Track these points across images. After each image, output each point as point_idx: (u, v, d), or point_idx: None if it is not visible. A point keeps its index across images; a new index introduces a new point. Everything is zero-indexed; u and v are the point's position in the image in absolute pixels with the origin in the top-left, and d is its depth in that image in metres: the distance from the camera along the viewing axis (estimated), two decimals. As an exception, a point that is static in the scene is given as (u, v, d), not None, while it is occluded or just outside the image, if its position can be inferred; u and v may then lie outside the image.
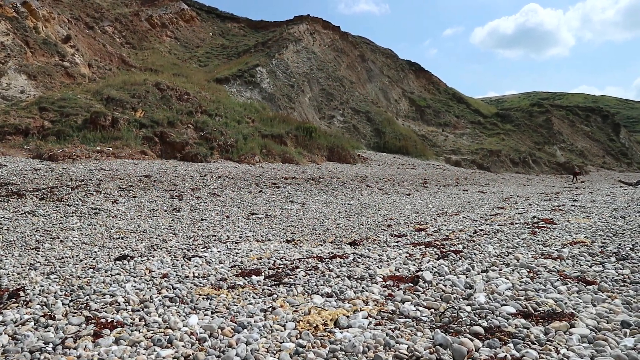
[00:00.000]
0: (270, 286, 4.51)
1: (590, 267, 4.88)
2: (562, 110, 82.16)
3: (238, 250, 7.03)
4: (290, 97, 45.84)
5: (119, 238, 8.37)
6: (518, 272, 4.62)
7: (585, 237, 6.95)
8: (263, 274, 5.06)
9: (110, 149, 21.33)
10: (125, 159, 20.31)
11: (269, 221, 10.99)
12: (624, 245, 6.06)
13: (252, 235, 9.09)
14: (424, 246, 6.88)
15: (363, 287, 4.23)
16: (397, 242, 7.82)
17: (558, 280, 4.24)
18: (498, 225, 8.85)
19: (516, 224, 9.04)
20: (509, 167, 46.77)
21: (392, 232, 9.43)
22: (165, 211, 11.49)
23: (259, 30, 66.99)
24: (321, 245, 7.89)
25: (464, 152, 47.96)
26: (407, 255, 6.16)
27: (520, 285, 4.10)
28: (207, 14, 69.17)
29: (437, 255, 5.85)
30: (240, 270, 5.28)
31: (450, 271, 4.81)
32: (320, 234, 9.41)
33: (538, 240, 6.76)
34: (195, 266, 5.57)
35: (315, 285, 4.47)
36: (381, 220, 11.48)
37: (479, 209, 13.57)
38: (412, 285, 4.15)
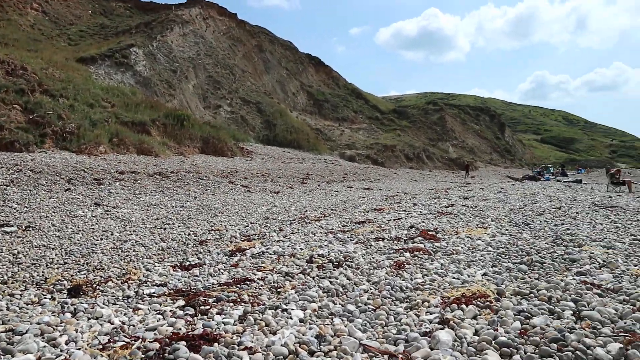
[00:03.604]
0: None
1: None
2: (455, 109, 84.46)
3: None
4: (171, 83, 40.78)
5: None
6: None
7: (483, 276, 3.83)
8: None
9: None
10: None
11: (13, 239, 6.90)
12: (564, 303, 2.98)
13: None
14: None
15: None
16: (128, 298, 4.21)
17: None
18: (355, 244, 5.60)
19: (384, 240, 5.88)
20: (404, 163, 45.53)
21: (173, 265, 5.84)
22: None
23: (147, 12, 60.32)
24: None
25: (359, 147, 45.89)
26: None
27: None
28: (87, -11, 61.10)
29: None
30: None
31: None
32: (48, 267, 5.54)
33: (400, 289, 3.52)
34: None
35: None
36: (203, 233, 7.86)
37: (352, 210, 10.49)
38: None
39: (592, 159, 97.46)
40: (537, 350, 2.31)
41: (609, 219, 7.63)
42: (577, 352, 2.22)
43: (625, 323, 2.61)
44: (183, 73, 43.62)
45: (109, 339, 2.79)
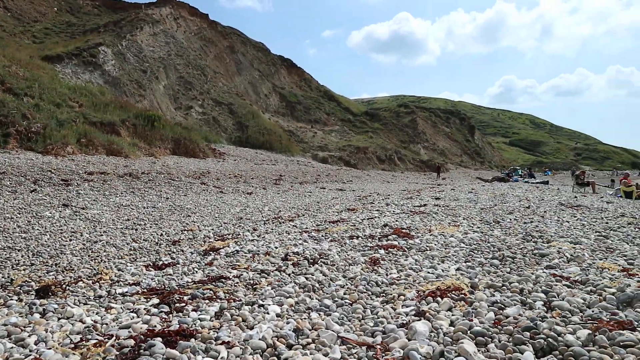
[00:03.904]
0: None
1: None
2: (426, 112, 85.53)
3: None
4: (141, 83, 40.04)
5: None
6: None
7: (457, 270, 3.91)
8: None
9: None
10: None
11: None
12: (535, 294, 3.07)
13: None
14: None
15: None
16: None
17: None
18: (329, 242, 5.63)
19: (358, 238, 5.93)
20: (376, 164, 45.90)
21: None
22: None
23: (116, 11, 59.07)
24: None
25: (331, 149, 46.04)
26: None
27: None
28: (51, -14, 59.38)
29: None
30: None
31: None
32: (14, 269, 5.38)
33: (376, 283, 3.57)
34: None
35: None
36: (175, 233, 7.75)
37: (326, 211, 10.53)
38: None
39: (557, 162, 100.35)
40: (510, 339, 2.38)
41: (575, 217, 7.87)
42: (549, 339, 2.29)
43: (592, 311, 2.71)
44: (153, 73, 42.93)
45: (81, 338, 2.72)
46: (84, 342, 2.64)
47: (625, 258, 4.36)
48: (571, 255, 4.46)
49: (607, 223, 7.07)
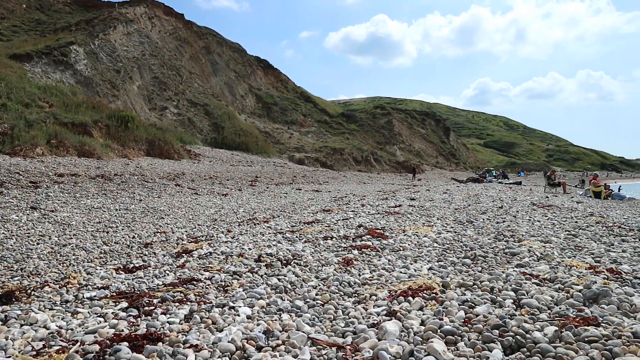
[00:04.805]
0: None
1: None
2: (402, 113, 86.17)
3: None
4: (114, 83, 39.30)
5: None
6: None
7: (429, 270, 3.94)
8: None
9: None
10: None
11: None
12: (505, 293, 3.11)
13: None
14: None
15: None
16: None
17: None
18: (303, 243, 5.61)
19: (332, 238, 5.92)
20: (352, 166, 46.06)
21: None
22: None
23: (88, 9, 57.85)
24: None
25: (308, 150, 46.02)
26: None
27: None
28: (19, -17, 57.80)
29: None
30: None
31: None
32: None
33: (348, 284, 3.56)
34: None
35: None
36: (148, 235, 7.62)
37: (301, 212, 10.50)
38: None
39: (530, 163, 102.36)
40: (480, 337, 2.39)
41: (546, 216, 8.03)
42: (517, 336, 2.32)
43: (560, 308, 2.75)
44: (127, 73, 42.20)
45: (44, 345, 2.63)
46: (46, 348, 2.55)
47: (592, 256, 4.46)
48: (541, 253, 4.54)
49: (576, 222, 7.23)
